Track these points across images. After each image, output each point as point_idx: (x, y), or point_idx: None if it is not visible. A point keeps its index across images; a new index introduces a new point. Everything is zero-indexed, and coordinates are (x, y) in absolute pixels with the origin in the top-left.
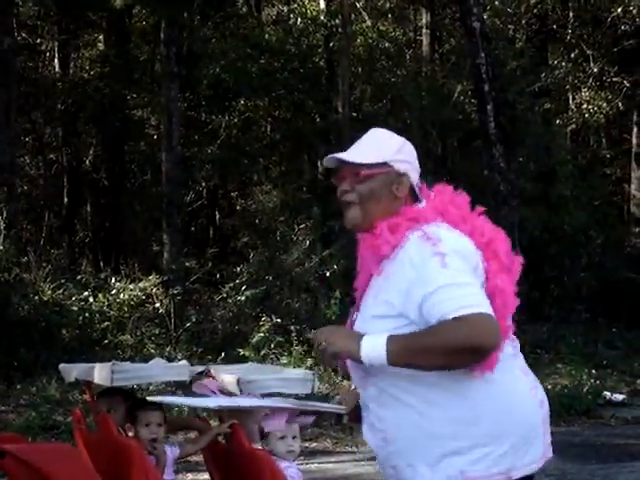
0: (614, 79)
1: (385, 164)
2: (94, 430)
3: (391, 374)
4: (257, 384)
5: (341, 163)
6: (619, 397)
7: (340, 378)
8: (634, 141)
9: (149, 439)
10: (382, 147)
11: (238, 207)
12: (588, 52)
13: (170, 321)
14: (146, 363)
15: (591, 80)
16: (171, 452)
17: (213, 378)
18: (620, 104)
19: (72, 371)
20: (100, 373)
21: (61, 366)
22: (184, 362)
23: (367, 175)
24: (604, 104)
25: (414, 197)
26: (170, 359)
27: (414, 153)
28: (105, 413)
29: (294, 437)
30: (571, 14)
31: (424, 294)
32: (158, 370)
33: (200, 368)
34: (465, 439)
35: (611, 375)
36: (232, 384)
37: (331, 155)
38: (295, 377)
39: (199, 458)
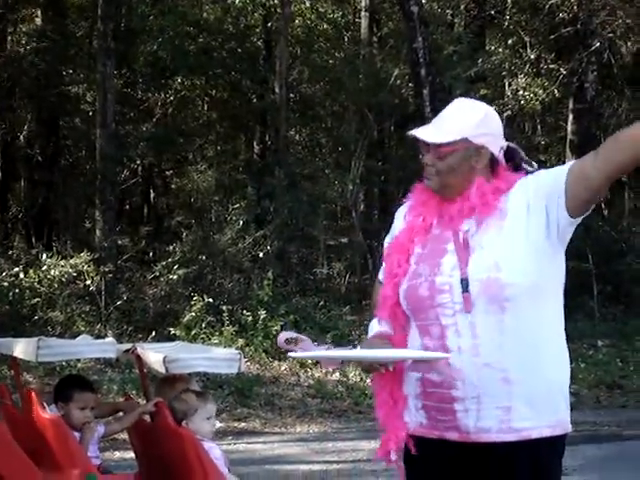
0: (551, 66)
1: (464, 140)
2: (19, 406)
3: None
4: (183, 362)
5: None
6: None
7: (270, 358)
8: (569, 128)
9: (83, 422)
10: (462, 122)
11: (173, 186)
12: (525, 39)
13: (101, 299)
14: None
15: (528, 67)
16: (96, 431)
17: (138, 357)
18: (556, 91)
19: None
20: (26, 348)
21: None
22: (111, 339)
23: (447, 151)
24: (540, 91)
25: (494, 164)
26: (100, 337)
27: (496, 122)
28: (30, 389)
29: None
30: (509, 0)
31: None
32: (84, 347)
33: (127, 346)
34: None
35: None
36: (158, 362)
37: (413, 131)
38: (221, 356)
39: (126, 436)
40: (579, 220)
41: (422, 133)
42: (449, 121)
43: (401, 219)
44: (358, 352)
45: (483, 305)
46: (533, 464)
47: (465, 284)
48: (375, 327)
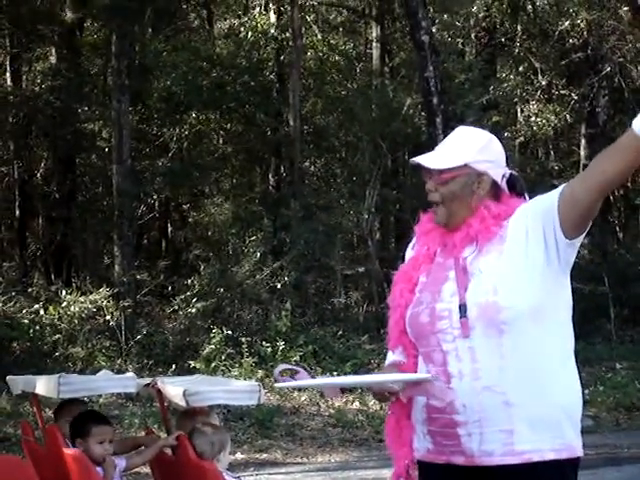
0: (562, 92)
1: (465, 166)
2: (42, 442)
3: None
4: (203, 395)
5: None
6: None
7: (291, 389)
8: (582, 153)
9: (103, 456)
10: (464, 149)
11: (190, 220)
12: (536, 65)
13: (121, 333)
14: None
15: (539, 93)
16: (118, 464)
17: (159, 391)
18: (568, 117)
19: (19, 383)
20: (47, 385)
21: (8, 378)
22: (131, 374)
23: (448, 178)
24: (552, 117)
25: (496, 192)
26: (121, 371)
27: (498, 149)
28: (52, 426)
29: None
30: (519, 27)
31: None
32: (105, 382)
33: (147, 380)
34: None
35: None
36: (178, 396)
37: (414, 159)
38: (241, 388)
39: (148, 470)
40: (577, 242)
41: (423, 159)
42: (451, 148)
43: (410, 249)
44: (342, 379)
45: (482, 329)
46: None
47: (463, 309)
48: (390, 357)
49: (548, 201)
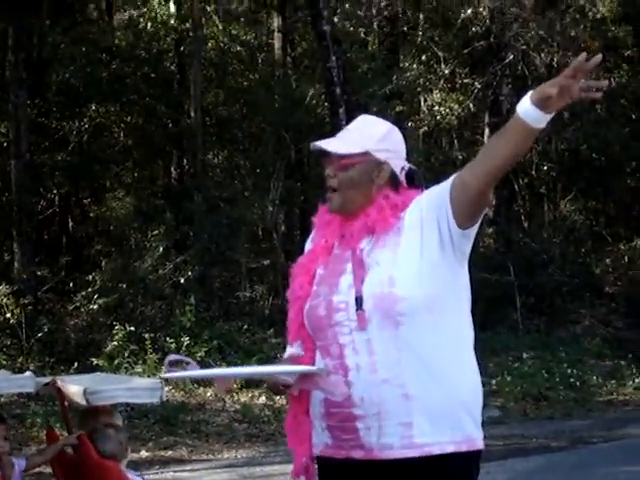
0: (465, 80)
1: (366, 153)
2: None
3: None
4: (104, 394)
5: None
6: None
7: (196, 385)
8: (486, 142)
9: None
10: (365, 136)
11: (91, 214)
12: (439, 54)
13: (21, 331)
14: None
15: (442, 82)
16: (18, 464)
17: (59, 390)
18: (471, 105)
19: None
20: None
21: None
22: (29, 373)
23: (348, 164)
24: (455, 106)
25: (395, 182)
26: (22, 370)
27: (398, 140)
28: None
29: None
30: (422, 16)
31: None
32: (1, 382)
33: (47, 379)
34: None
35: None
36: (79, 395)
37: (316, 143)
38: (143, 386)
39: (50, 470)
40: (472, 232)
41: (324, 143)
42: (352, 134)
43: (309, 242)
44: (231, 370)
45: (378, 321)
46: None
47: (360, 301)
48: (288, 350)
49: (440, 192)
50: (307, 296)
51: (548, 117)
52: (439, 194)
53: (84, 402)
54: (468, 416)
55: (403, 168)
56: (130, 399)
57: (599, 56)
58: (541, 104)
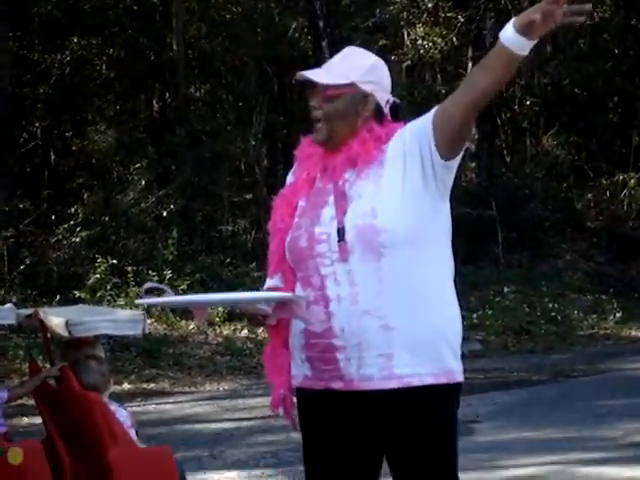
0: (448, 14)
1: (352, 84)
2: None
3: None
4: (86, 325)
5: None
6: None
7: (178, 317)
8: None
9: None
10: (351, 68)
11: (73, 148)
12: None
13: (4, 264)
14: None
15: (425, 16)
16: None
17: (41, 322)
18: (455, 39)
19: None
20: None
21: None
22: (9, 305)
23: (333, 95)
24: (439, 40)
25: (380, 115)
26: (3, 303)
27: (384, 73)
28: None
29: None
30: None
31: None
32: None
33: (28, 311)
34: None
35: None
36: (61, 326)
37: (302, 72)
38: (125, 318)
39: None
40: (454, 164)
41: (310, 74)
42: (338, 65)
43: (291, 175)
44: (207, 296)
45: (360, 253)
46: (418, 412)
47: (342, 233)
48: (268, 283)
49: (423, 123)
50: (288, 228)
51: (531, 44)
52: (422, 126)
53: (66, 334)
54: (448, 348)
55: (388, 101)
56: (113, 331)
57: None
58: (524, 30)
